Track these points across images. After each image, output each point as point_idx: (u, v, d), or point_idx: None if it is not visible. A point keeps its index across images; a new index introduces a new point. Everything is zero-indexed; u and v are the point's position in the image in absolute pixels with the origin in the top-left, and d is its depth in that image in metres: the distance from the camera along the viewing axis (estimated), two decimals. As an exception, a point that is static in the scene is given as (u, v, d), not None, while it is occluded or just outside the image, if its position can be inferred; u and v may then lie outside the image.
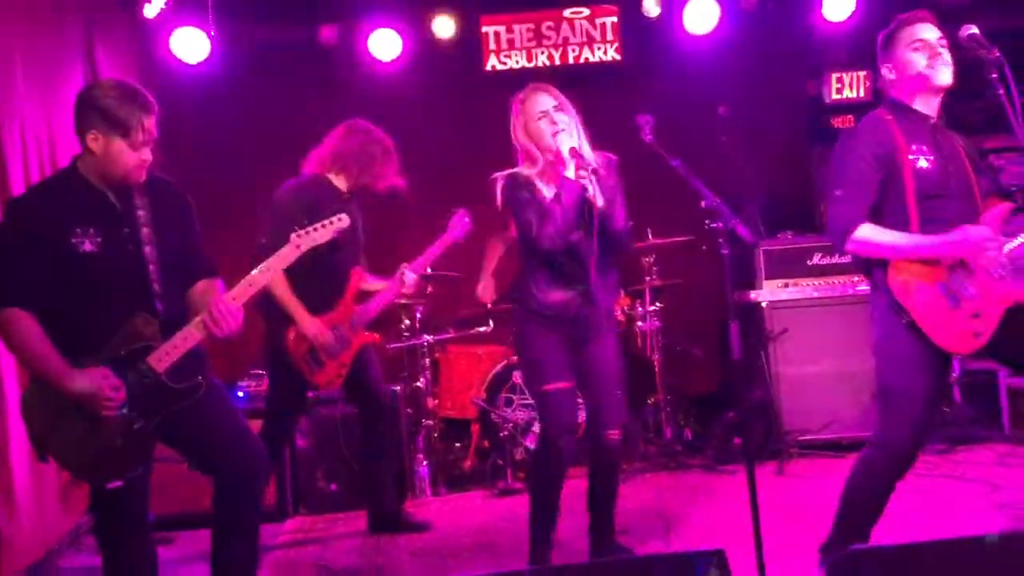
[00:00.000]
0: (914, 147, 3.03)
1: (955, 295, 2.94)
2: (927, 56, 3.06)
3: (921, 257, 2.96)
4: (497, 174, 3.48)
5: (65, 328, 2.71)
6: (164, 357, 2.76)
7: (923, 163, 3.02)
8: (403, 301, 5.49)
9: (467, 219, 4.48)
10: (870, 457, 3.10)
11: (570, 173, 3.29)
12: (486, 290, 5.62)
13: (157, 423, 2.78)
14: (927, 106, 3.11)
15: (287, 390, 4.19)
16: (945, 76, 3.06)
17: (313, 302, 4.07)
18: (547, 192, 3.40)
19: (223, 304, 2.77)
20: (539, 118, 3.36)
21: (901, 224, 3.00)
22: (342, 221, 3.04)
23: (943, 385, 3.32)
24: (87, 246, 2.71)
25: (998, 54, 2.85)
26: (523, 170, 3.45)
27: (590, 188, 3.23)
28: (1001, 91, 2.79)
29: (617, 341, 3.64)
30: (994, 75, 2.84)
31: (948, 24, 3.22)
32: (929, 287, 2.94)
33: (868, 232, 2.99)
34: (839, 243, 3.06)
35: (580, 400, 3.67)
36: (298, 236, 2.96)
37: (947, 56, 3.07)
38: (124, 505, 2.81)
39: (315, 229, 2.99)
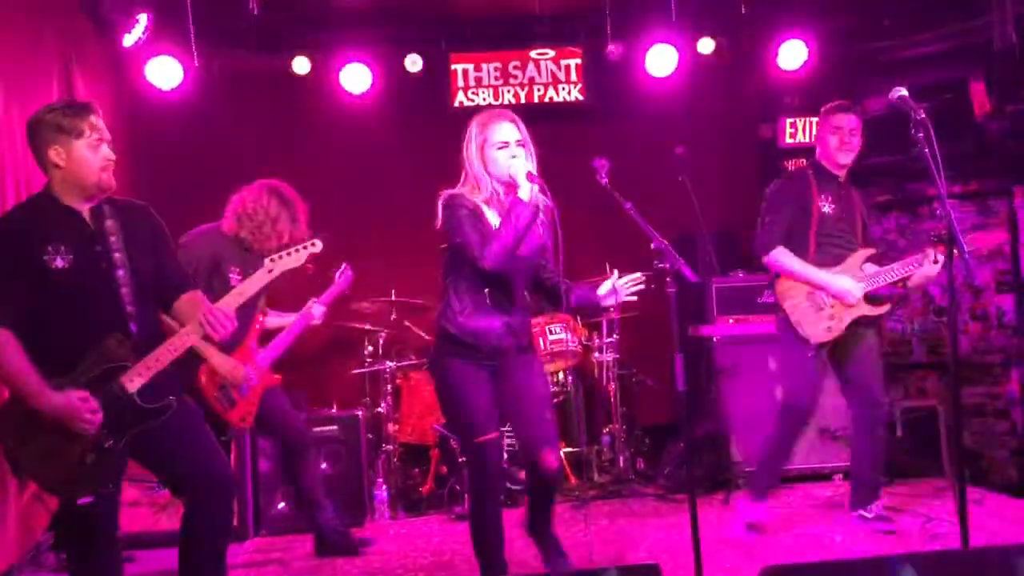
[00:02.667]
0: (822, 196, 4.23)
1: (817, 304, 4.18)
2: (838, 141, 4.24)
3: (812, 284, 4.17)
4: (443, 191, 3.42)
5: (39, 345, 2.78)
6: (136, 377, 2.84)
7: (827, 209, 4.23)
8: (367, 327, 5.63)
9: (350, 272, 4.76)
10: (771, 434, 4.31)
11: (523, 194, 3.22)
12: None
13: (128, 441, 2.86)
14: (837, 169, 4.29)
15: None
16: (845, 159, 4.26)
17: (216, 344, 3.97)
18: (493, 219, 3.35)
19: (217, 310, 2.92)
20: (499, 147, 3.33)
21: (801, 250, 4.20)
22: (315, 247, 3.12)
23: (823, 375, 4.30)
24: (59, 263, 2.78)
25: (923, 115, 3.08)
26: (468, 194, 3.39)
27: (542, 204, 3.29)
28: (926, 149, 3.02)
29: (539, 362, 3.62)
30: (920, 134, 3.06)
31: (891, 77, 3.52)
32: (800, 295, 4.20)
33: (781, 253, 4.20)
34: (760, 256, 4.21)
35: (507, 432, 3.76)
36: (271, 261, 3.07)
37: (854, 142, 4.24)
38: (93, 520, 2.89)
39: (288, 254, 3.08)
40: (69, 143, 2.83)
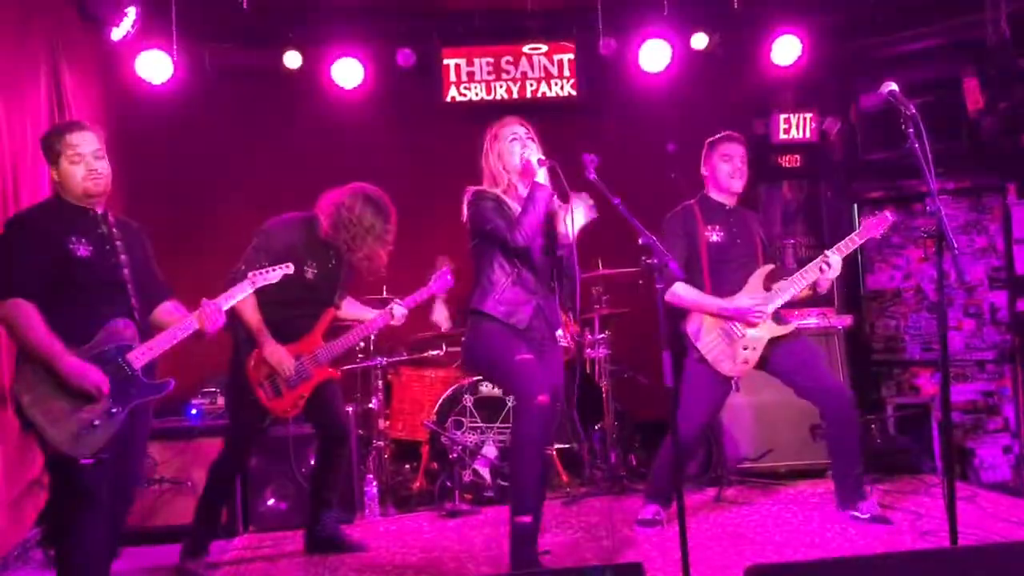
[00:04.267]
0: (709, 227, 4.36)
1: (731, 336, 4.26)
2: (731, 168, 4.39)
3: (709, 313, 4.27)
4: (469, 188, 3.78)
5: (58, 318, 3.12)
6: (141, 356, 3.26)
7: (715, 238, 4.35)
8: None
9: (450, 276, 4.65)
10: (668, 441, 4.31)
11: (540, 178, 3.62)
12: (440, 313, 5.79)
13: (129, 411, 3.23)
14: (725, 198, 4.44)
15: (244, 416, 4.21)
16: (737, 187, 4.41)
17: (282, 332, 4.12)
18: (514, 207, 3.71)
19: (212, 304, 3.40)
20: (511, 139, 3.76)
21: (697, 282, 4.30)
22: (288, 268, 3.71)
23: (724, 398, 4.43)
24: (82, 251, 3.20)
25: (914, 111, 3.07)
26: (489, 188, 3.78)
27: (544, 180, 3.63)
28: (916, 144, 3.00)
29: (562, 358, 3.92)
30: (910, 130, 3.05)
31: (885, 72, 3.51)
32: (713, 332, 4.28)
33: (681, 289, 4.28)
34: (662, 294, 3.86)
35: None
36: (254, 274, 3.60)
37: (744, 170, 4.41)
38: (90, 485, 3.12)
39: (271, 270, 3.64)
40: (57, 162, 3.25)
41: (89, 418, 3.12)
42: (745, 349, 4.27)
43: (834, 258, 4.20)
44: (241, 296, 3.54)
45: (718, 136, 4.48)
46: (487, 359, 3.80)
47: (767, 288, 4.32)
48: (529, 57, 6.42)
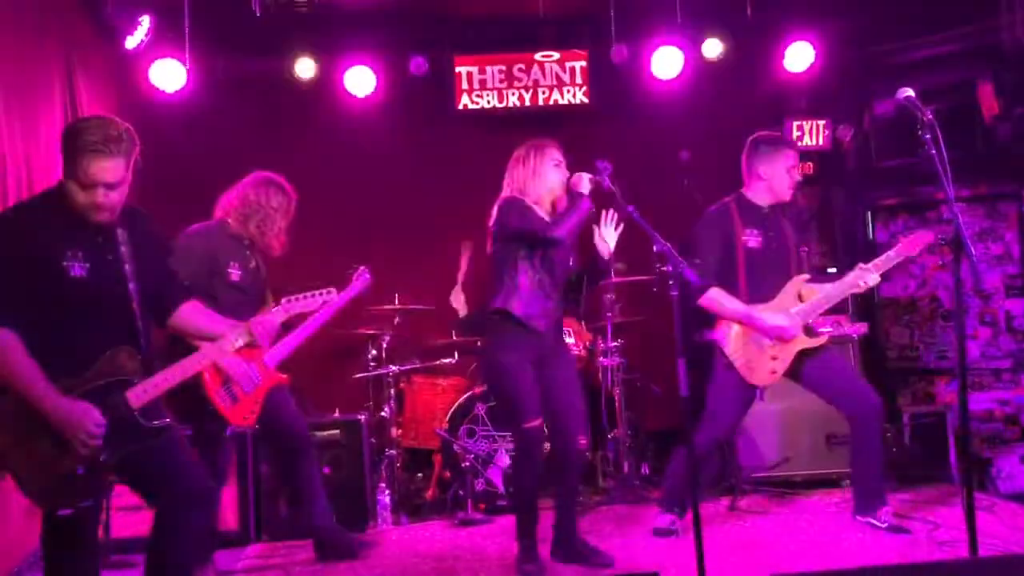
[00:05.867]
0: (747, 231, 4.22)
1: (760, 344, 4.18)
2: (790, 180, 4.28)
3: (744, 324, 4.16)
4: (502, 197, 3.93)
5: (45, 348, 2.70)
6: (143, 394, 2.81)
7: (753, 243, 4.21)
8: (371, 332, 5.60)
9: (367, 275, 4.65)
10: (682, 450, 4.30)
11: (583, 189, 3.80)
12: (457, 299, 5.84)
13: (121, 457, 2.79)
14: (765, 201, 4.30)
15: (208, 427, 4.09)
16: (789, 196, 4.32)
17: None
18: (544, 216, 3.89)
19: (267, 322, 3.13)
20: (555, 164, 3.95)
21: (732, 290, 4.17)
22: (331, 294, 3.45)
23: (749, 406, 4.34)
24: (77, 270, 2.73)
25: (931, 117, 3.04)
26: (519, 197, 3.91)
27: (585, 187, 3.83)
28: (932, 151, 2.98)
29: (571, 355, 4.12)
30: (927, 136, 3.02)
31: (899, 79, 3.48)
32: (744, 340, 4.19)
33: (715, 295, 4.17)
34: (695, 298, 4.13)
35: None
36: (288, 301, 3.33)
37: (798, 179, 4.33)
38: (76, 529, 2.82)
39: (305, 297, 3.35)
40: (66, 174, 2.76)
41: (73, 466, 2.71)
42: (775, 359, 4.21)
43: (872, 278, 4.14)
44: (278, 323, 3.28)
45: (780, 140, 4.39)
46: (497, 365, 3.88)
47: (800, 299, 4.25)
48: (541, 65, 6.41)
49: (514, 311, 3.83)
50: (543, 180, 3.92)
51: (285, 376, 4.33)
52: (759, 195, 4.32)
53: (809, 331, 4.24)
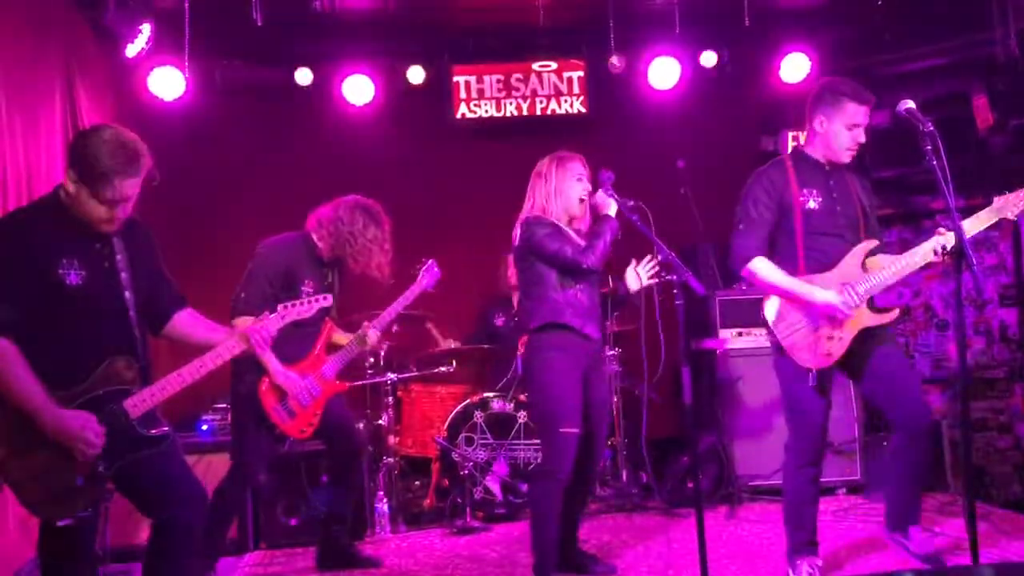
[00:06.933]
0: (805, 190, 3.57)
1: (814, 322, 3.51)
2: (851, 140, 3.57)
3: (792, 298, 3.53)
4: (524, 215, 3.84)
5: (42, 357, 2.69)
6: (140, 404, 2.80)
7: (812, 204, 3.56)
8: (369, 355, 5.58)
9: (436, 269, 4.60)
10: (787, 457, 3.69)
11: (611, 211, 3.75)
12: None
13: (119, 467, 2.79)
14: (824, 157, 3.65)
15: (262, 443, 4.16)
16: (847, 159, 3.63)
17: (284, 353, 4.03)
18: (572, 237, 3.80)
19: (264, 329, 3.07)
20: (578, 179, 3.84)
21: (790, 258, 3.57)
22: (326, 300, 3.33)
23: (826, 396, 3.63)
24: (73, 278, 2.71)
25: (931, 128, 3.06)
26: (542, 215, 3.82)
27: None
28: (933, 161, 3.00)
29: (608, 374, 4.02)
30: (928, 146, 3.05)
31: (893, 90, 3.49)
32: (797, 315, 3.54)
33: (761, 265, 3.56)
34: (737, 269, 3.64)
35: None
36: (284, 308, 3.21)
37: (861, 141, 3.59)
38: (75, 539, 2.81)
39: (301, 304, 3.24)
40: (81, 185, 2.72)
41: (72, 477, 2.70)
42: (830, 339, 3.52)
43: (949, 238, 3.37)
44: (274, 329, 3.22)
45: (847, 90, 3.57)
46: (548, 368, 3.75)
47: (864, 268, 3.57)
48: (539, 74, 6.45)
49: (565, 321, 3.74)
50: (566, 197, 3.84)
51: (344, 384, 4.35)
52: (817, 150, 3.67)
53: (873, 305, 3.57)
